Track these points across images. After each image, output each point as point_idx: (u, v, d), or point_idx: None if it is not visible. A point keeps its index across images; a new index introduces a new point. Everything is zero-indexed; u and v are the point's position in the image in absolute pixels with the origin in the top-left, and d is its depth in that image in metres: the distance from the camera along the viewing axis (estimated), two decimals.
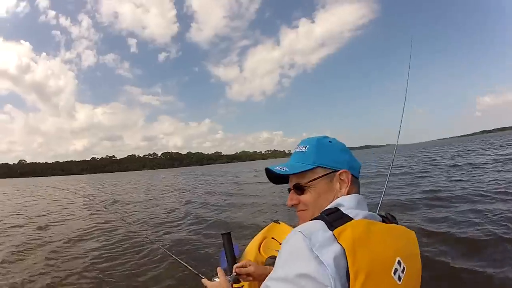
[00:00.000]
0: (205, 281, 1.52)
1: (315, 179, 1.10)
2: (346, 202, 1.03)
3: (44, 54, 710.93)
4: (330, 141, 1.18)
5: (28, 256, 6.03)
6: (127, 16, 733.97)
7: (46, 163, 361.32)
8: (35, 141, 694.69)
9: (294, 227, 2.93)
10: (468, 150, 29.79)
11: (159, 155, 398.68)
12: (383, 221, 1.04)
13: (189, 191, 18.76)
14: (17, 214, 12.54)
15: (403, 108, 2.48)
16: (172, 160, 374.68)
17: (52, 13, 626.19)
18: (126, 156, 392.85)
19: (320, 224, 0.90)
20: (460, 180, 10.91)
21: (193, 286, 3.95)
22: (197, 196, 15.19)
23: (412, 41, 3.04)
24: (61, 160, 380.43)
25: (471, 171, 13.40)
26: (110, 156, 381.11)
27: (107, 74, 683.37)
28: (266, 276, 1.41)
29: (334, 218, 0.92)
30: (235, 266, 1.65)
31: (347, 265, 0.80)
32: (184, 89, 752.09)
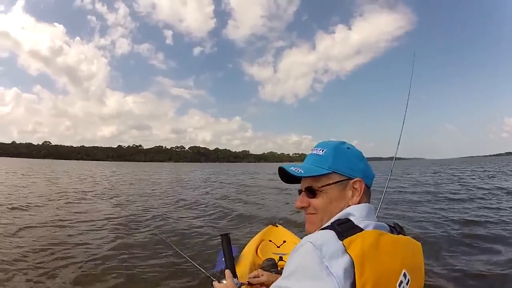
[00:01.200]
0: (216, 284, 1.59)
1: (328, 184, 1.12)
2: (357, 212, 1.06)
3: (78, 38, 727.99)
4: (348, 148, 1.19)
5: None
6: (165, 8, 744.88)
7: (72, 146, 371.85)
8: (62, 123, 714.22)
9: (291, 230, 3.96)
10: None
11: (186, 148, 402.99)
12: (391, 231, 1.09)
13: (202, 188, 19.34)
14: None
15: (403, 122, 2.60)
16: (199, 155, 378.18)
17: None
18: (153, 146, 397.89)
19: (331, 234, 0.93)
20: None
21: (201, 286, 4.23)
22: (206, 195, 15.77)
23: (414, 58, 3.12)
24: (87, 145, 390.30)
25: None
26: (136, 145, 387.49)
27: (140, 64, 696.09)
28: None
29: (345, 229, 0.94)
30: (248, 276, 1.77)
31: (355, 276, 0.84)
32: (216, 84, 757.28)
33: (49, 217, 8.72)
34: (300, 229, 6.72)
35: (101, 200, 12.34)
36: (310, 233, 1.04)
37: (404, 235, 1.09)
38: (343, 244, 0.88)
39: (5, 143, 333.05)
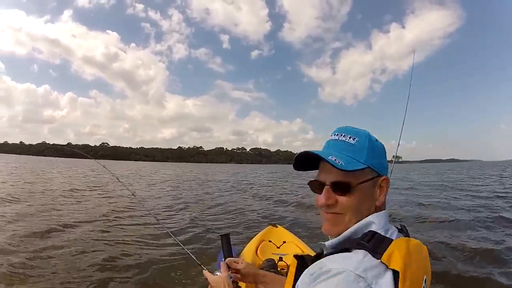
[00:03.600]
0: (206, 272, 1.67)
1: (366, 181, 1.03)
2: (378, 221, 1.00)
3: (133, 44, 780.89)
4: (377, 140, 1.11)
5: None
6: (219, 13, 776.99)
7: (130, 147, 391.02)
8: (120, 126, 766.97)
9: (291, 231, 4.59)
10: None
11: (247, 150, 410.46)
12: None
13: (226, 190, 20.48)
14: None
15: (403, 123, 2.58)
16: (260, 156, 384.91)
17: (140, 6, 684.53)
18: (214, 148, 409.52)
19: (364, 253, 0.89)
20: None
21: (193, 276, 4.74)
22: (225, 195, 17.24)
23: (414, 56, 3.14)
24: (146, 147, 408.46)
25: None
26: (197, 147, 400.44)
27: (198, 68, 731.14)
28: (255, 277, 1.75)
29: (376, 244, 0.91)
30: (229, 259, 1.77)
31: None
32: (276, 87, 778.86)
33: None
34: (299, 230, 7.38)
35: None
36: (330, 235, 1.05)
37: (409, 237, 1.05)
38: (381, 262, 0.86)
39: (60, 144, 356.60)
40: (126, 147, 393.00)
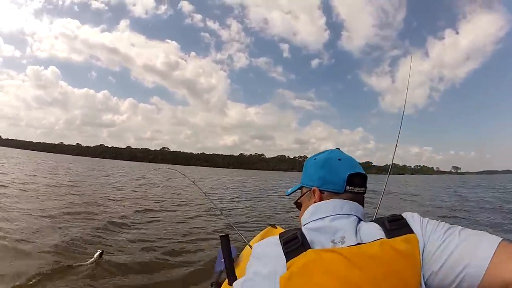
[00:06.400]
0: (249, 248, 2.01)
1: (299, 197, 1.30)
2: (307, 214, 1.14)
3: (193, 53, 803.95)
4: (314, 159, 1.29)
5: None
6: (277, 22, 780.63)
7: (191, 153, 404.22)
8: (182, 132, 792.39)
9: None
10: None
11: None
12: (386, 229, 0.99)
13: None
14: None
15: (398, 133, 2.78)
16: None
17: (198, 16, 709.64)
18: (275, 156, 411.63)
19: (278, 249, 0.99)
20: None
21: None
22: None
23: (411, 60, 3.27)
24: (207, 153, 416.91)
25: None
26: (259, 154, 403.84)
27: (260, 76, 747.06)
28: None
29: (290, 248, 0.97)
30: None
31: None
32: (337, 96, 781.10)
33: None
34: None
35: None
36: None
37: (402, 233, 0.95)
38: (286, 265, 0.92)
39: (119, 147, 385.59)
40: (187, 153, 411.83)
